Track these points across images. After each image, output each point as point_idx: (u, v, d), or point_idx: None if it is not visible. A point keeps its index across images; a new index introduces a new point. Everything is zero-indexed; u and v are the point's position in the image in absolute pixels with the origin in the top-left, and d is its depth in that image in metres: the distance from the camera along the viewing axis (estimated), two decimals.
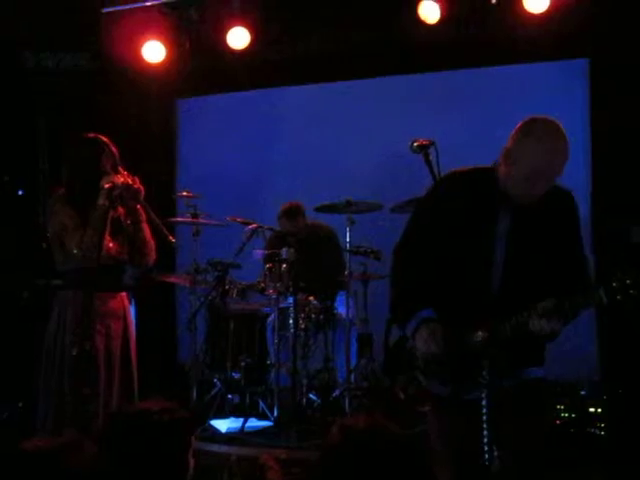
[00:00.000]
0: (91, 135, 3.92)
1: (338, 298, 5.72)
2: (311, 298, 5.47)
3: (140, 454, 2.10)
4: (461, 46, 6.16)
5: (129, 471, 2.04)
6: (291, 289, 5.31)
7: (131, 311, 4.31)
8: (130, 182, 3.77)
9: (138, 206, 3.86)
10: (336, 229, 5.93)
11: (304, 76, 6.85)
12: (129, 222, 3.90)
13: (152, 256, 3.99)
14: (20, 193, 6.71)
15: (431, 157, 3.11)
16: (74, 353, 3.55)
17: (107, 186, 3.72)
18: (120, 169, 3.85)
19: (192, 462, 2.32)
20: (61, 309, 3.77)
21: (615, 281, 2.43)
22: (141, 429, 2.13)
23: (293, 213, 5.88)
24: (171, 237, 3.93)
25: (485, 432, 2.70)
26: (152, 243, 3.95)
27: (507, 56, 6.21)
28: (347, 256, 5.41)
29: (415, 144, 3.18)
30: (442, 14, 5.77)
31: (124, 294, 3.99)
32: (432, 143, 3.15)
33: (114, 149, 3.88)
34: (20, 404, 5.59)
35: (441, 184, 2.99)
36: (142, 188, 3.82)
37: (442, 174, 3.21)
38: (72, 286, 3.77)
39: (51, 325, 3.81)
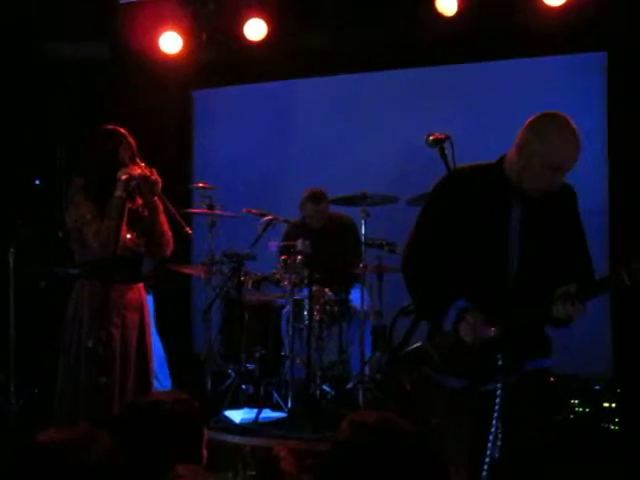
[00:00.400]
0: (109, 126, 3.94)
1: (353, 290, 5.74)
2: (326, 290, 5.48)
3: (154, 445, 2.12)
4: (478, 39, 6.14)
5: (143, 462, 2.06)
6: (306, 281, 5.33)
7: (148, 302, 4.35)
8: (147, 173, 3.78)
9: (155, 198, 3.88)
10: None
11: (320, 68, 6.84)
12: (146, 214, 3.92)
13: (169, 248, 4.02)
14: (37, 183, 6.76)
15: (446, 151, 3.10)
16: (90, 344, 3.58)
17: (124, 177, 3.75)
18: (138, 160, 3.86)
19: (205, 453, 2.35)
20: (79, 300, 3.80)
21: (635, 263, 2.49)
22: (155, 420, 2.15)
23: (318, 198, 5.89)
24: (188, 228, 3.96)
25: (494, 422, 2.75)
26: (169, 235, 3.97)
27: (524, 49, 6.17)
28: (362, 248, 5.43)
29: (431, 138, 3.16)
30: (459, 7, 5.75)
31: (141, 285, 4.01)
32: (448, 137, 3.13)
33: (132, 140, 3.90)
34: (36, 390, 5.66)
35: (448, 181, 3.02)
36: (160, 180, 3.83)
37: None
38: (90, 277, 3.80)
39: (69, 315, 3.84)
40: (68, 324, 3.83)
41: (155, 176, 3.81)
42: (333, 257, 5.61)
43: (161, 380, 5.50)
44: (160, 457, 2.13)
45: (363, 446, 1.91)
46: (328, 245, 5.67)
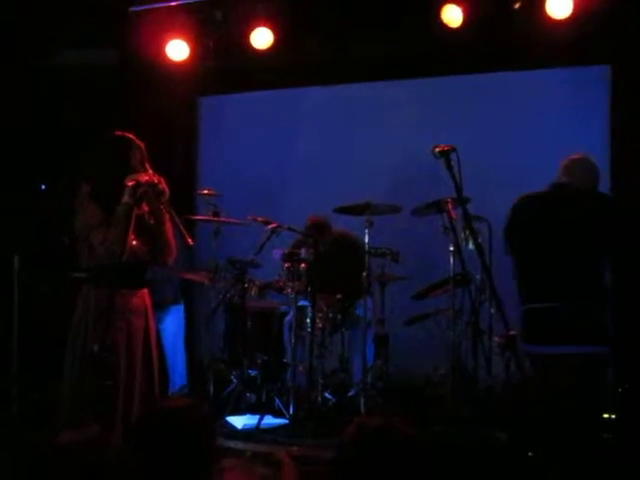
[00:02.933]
0: (118, 133, 3.97)
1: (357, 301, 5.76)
2: (339, 296, 5.49)
3: (169, 450, 2.15)
4: (483, 51, 6.20)
5: (159, 467, 2.09)
6: (309, 289, 5.37)
7: (178, 311, 4.41)
8: (155, 181, 3.81)
9: (161, 206, 3.90)
10: (355, 230, 5.96)
11: (325, 77, 6.89)
12: (152, 221, 3.95)
13: (171, 256, 4.04)
14: (43, 188, 6.79)
15: (452, 162, 3.14)
16: (95, 349, 3.60)
17: (130, 184, 3.77)
18: (147, 167, 3.89)
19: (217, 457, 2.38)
20: (84, 304, 3.83)
21: None
22: (170, 425, 2.18)
23: (320, 228, 5.92)
24: (190, 240, 3.97)
25: None
26: (172, 243, 3.98)
27: (528, 61, 6.24)
28: (365, 257, 5.45)
29: (437, 150, 3.21)
30: (464, 18, 5.80)
31: (145, 291, 4.03)
32: (454, 149, 3.18)
33: (141, 147, 3.93)
34: (37, 395, 5.68)
35: None
36: (167, 189, 3.85)
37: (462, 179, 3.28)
38: (95, 282, 3.82)
39: (74, 320, 3.86)
40: (73, 328, 3.85)
41: (162, 185, 3.84)
42: (338, 276, 5.64)
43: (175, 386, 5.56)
44: (175, 462, 2.15)
45: (367, 448, 1.95)
46: (334, 265, 5.70)
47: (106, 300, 3.62)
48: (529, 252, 3.92)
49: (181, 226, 3.93)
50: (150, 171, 3.87)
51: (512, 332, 2.94)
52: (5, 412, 5.57)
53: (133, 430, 2.20)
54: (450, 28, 5.82)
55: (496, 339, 4.82)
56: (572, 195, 3.92)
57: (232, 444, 4.78)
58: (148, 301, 4.01)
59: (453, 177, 3.14)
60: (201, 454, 2.25)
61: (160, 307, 5.37)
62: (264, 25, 6.33)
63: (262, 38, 6.35)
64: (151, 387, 3.89)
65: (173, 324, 5.94)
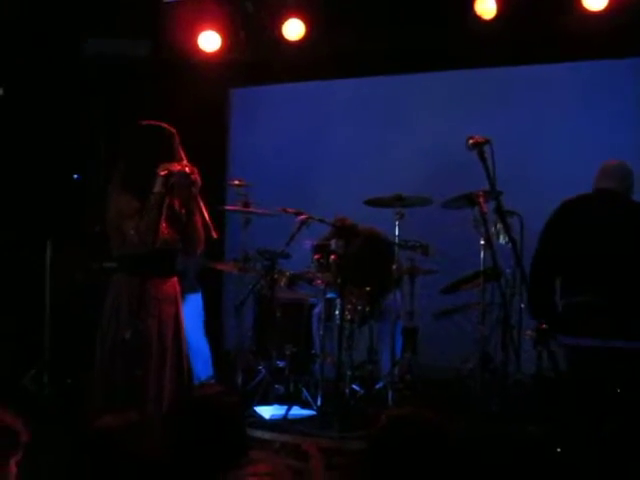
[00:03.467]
0: (151, 122, 3.98)
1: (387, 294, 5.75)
2: (367, 289, 5.49)
3: (207, 436, 2.16)
4: (517, 42, 6.13)
5: (193, 453, 2.11)
6: (338, 281, 5.36)
7: (197, 300, 4.42)
8: (187, 171, 3.82)
9: (192, 196, 3.90)
10: (385, 222, 5.94)
11: (357, 69, 6.87)
12: (183, 211, 3.96)
13: (201, 246, 4.06)
14: (76, 177, 6.85)
15: (486, 155, 3.11)
16: (127, 337, 3.63)
17: (163, 173, 3.78)
18: (181, 157, 3.90)
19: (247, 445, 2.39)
20: (116, 293, 3.86)
21: None
22: (204, 413, 2.19)
23: (347, 231, 5.92)
24: (215, 233, 3.97)
25: None
26: (201, 233, 4.00)
27: (563, 53, 6.16)
28: (395, 250, 5.44)
29: (470, 141, 3.18)
30: (498, 10, 5.75)
31: (175, 279, 4.06)
32: (487, 141, 3.15)
33: (175, 136, 3.94)
34: (69, 380, 5.75)
35: None
36: (199, 180, 3.86)
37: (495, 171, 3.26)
38: (127, 270, 3.85)
39: (106, 308, 3.89)
40: (105, 316, 3.88)
41: (195, 176, 3.84)
42: (369, 270, 5.63)
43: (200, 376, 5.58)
44: (207, 449, 2.17)
45: (399, 439, 1.96)
46: (364, 259, 5.69)
47: (138, 288, 3.65)
48: (580, 251, 4.10)
49: (208, 219, 3.94)
50: (184, 161, 3.89)
51: (544, 326, 2.92)
52: (39, 398, 5.65)
53: (166, 417, 2.21)
54: (484, 20, 5.78)
55: (528, 332, 4.77)
56: (617, 200, 4.16)
57: (259, 434, 4.80)
58: (178, 289, 4.04)
59: (486, 170, 3.12)
60: (232, 442, 2.26)
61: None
62: (296, 16, 6.33)
63: (294, 29, 6.35)
64: (181, 374, 3.91)
65: (190, 312, 5.94)
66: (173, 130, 3.96)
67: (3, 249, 6.52)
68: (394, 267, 5.42)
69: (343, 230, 5.86)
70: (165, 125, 3.96)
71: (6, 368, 5.91)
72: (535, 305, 4.22)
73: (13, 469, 1.94)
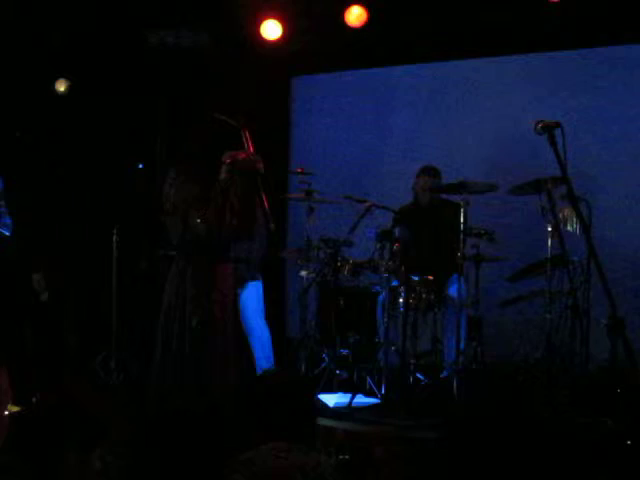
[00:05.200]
0: (216, 113, 4.00)
1: (450, 279, 5.69)
2: (430, 277, 5.44)
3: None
4: (585, 26, 5.96)
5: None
6: (402, 268, 5.32)
7: (257, 287, 4.40)
8: (252, 159, 3.82)
9: (255, 186, 3.90)
10: None
11: (420, 55, 6.78)
12: (245, 199, 3.96)
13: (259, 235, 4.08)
14: (141, 167, 6.95)
15: (557, 139, 3.03)
16: (194, 323, 3.67)
17: (228, 161, 3.81)
18: (248, 146, 3.90)
19: None
20: (180, 280, 3.90)
21: None
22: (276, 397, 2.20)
23: (434, 171, 5.86)
24: (273, 226, 3.96)
25: None
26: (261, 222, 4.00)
27: (634, 36, 5.96)
28: (460, 237, 5.37)
29: (540, 125, 3.10)
30: None
31: (234, 266, 4.10)
32: (558, 124, 3.07)
33: (244, 129, 3.94)
34: (135, 368, 5.86)
35: None
36: (262, 170, 3.86)
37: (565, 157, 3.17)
38: (191, 257, 3.89)
39: (169, 295, 3.94)
40: (168, 303, 3.93)
41: (259, 165, 3.84)
42: (436, 245, 5.57)
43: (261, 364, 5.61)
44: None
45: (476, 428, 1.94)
46: (434, 232, 5.63)
47: (203, 275, 3.69)
48: None
49: (268, 210, 3.93)
50: (251, 151, 3.88)
51: (619, 315, 2.83)
52: (106, 384, 5.77)
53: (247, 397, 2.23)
54: (551, 2, 5.64)
55: (603, 322, 4.66)
56: None
57: (324, 422, 4.79)
58: (236, 275, 4.08)
59: (557, 154, 3.03)
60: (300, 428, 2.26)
61: (238, 284, 5.41)
62: (357, 3, 6.27)
63: (355, 16, 6.31)
64: (242, 358, 3.95)
65: (250, 300, 5.95)
66: (242, 121, 3.95)
67: (72, 238, 6.66)
68: (458, 254, 5.35)
69: (431, 170, 5.81)
70: (234, 118, 3.96)
71: (76, 353, 6.06)
72: None
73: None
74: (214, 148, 3.88)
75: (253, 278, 5.78)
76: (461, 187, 5.32)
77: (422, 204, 5.90)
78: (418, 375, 5.42)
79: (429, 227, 5.74)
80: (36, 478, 1.93)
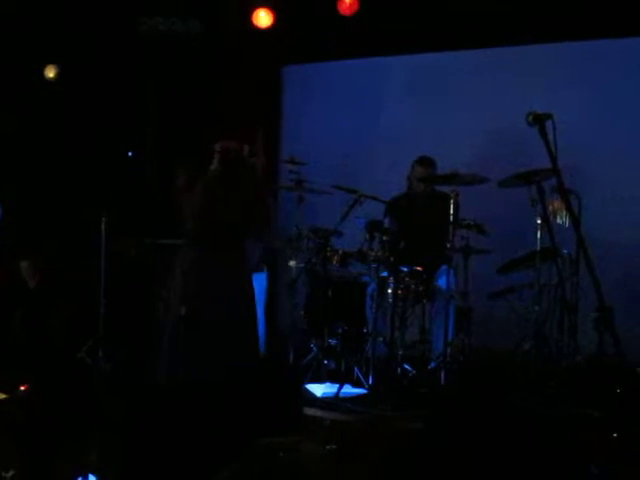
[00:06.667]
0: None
1: (438, 271, 5.69)
2: (419, 268, 5.44)
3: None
4: (576, 18, 5.95)
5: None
6: (391, 259, 5.32)
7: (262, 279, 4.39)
8: (245, 151, 3.81)
9: (250, 176, 3.89)
10: None
11: (413, 45, 6.76)
12: (240, 188, 3.96)
13: (266, 226, 4.07)
14: (130, 154, 6.91)
15: (548, 130, 3.02)
16: (183, 312, 3.67)
17: (219, 149, 3.80)
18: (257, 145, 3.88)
19: None
20: (182, 268, 3.90)
21: None
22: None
23: (429, 162, 5.85)
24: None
25: None
26: (264, 212, 4.00)
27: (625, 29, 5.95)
28: (450, 229, 5.37)
29: (531, 116, 3.09)
30: None
31: (233, 255, 4.08)
32: (550, 116, 3.06)
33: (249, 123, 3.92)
34: (124, 355, 5.83)
35: None
36: (257, 162, 3.84)
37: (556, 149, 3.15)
38: (184, 246, 3.88)
39: (160, 284, 3.94)
40: (160, 292, 3.93)
41: (261, 160, 3.83)
42: (426, 236, 5.57)
43: None
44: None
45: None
46: (425, 222, 5.63)
47: (195, 264, 3.68)
48: None
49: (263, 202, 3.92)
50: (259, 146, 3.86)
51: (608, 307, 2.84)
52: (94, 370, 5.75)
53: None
54: None
55: (593, 315, 4.68)
56: None
57: (311, 411, 4.80)
58: (236, 264, 4.06)
59: (547, 146, 3.02)
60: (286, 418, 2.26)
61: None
62: None
63: (347, 5, 6.29)
64: (245, 345, 3.94)
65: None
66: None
67: (60, 225, 6.62)
68: (448, 245, 5.35)
69: (426, 161, 5.80)
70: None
71: (64, 341, 6.03)
72: None
73: None
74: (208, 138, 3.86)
75: (258, 269, 5.78)
76: (452, 178, 5.31)
77: (416, 194, 5.90)
78: (406, 366, 5.41)
79: (421, 217, 5.74)
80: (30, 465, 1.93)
